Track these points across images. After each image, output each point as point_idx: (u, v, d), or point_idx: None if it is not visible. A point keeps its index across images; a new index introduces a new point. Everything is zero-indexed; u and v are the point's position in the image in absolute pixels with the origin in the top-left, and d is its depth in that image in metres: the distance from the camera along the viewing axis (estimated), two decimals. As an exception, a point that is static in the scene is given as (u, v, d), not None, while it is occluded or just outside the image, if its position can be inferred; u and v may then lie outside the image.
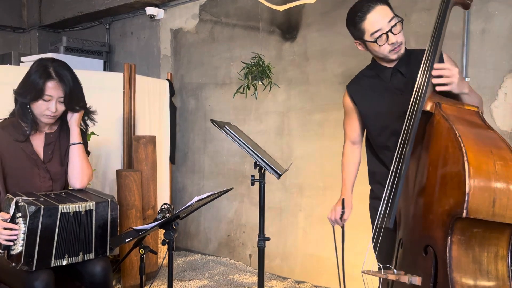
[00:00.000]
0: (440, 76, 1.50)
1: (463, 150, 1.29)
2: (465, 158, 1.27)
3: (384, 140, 1.83)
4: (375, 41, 1.70)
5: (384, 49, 1.72)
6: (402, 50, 1.74)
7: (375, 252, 1.63)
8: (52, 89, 1.93)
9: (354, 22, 1.75)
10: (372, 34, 1.70)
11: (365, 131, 1.97)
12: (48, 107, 1.94)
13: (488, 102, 2.50)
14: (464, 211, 1.25)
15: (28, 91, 1.92)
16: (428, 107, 1.48)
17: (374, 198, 1.91)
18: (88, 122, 2.18)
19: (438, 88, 1.51)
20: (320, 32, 3.21)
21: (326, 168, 3.18)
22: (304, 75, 3.31)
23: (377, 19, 1.68)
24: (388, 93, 1.81)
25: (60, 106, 1.98)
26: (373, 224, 1.94)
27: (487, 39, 2.55)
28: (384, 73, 1.82)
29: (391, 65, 1.80)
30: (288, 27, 3.39)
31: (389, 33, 1.69)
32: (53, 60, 2.00)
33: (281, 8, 2.82)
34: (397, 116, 1.70)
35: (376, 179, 1.92)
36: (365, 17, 1.70)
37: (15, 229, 1.75)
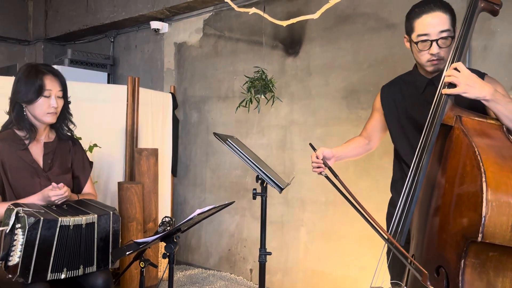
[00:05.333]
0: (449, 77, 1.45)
1: (482, 169, 1.21)
2: (483, 178, 1.19)
3: (403, 148, 1.82)
4: (416, 44, 1.64)
5: (422, 56, 1.65)
6: (441, 66, 1.65)
7: (388, 266, 1.59)
8: (50, 83, 2.00)
9: (409, 15, 1.69)
10: (419, 35, 1.63)
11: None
12: (49, 103, 1.99)
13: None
14: (480, 235, 1.17)
15: (29, 90, 1.97)
16: (448, 119, 1.41)
17: (392, 205, 1.89)
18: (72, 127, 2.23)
19: (443, 91, 1.46)
20: (322, 47, 3.24)
21: (328, 182, 3.17)
22: (307, 90, 3.33)
23: (429, 24, 1.60)
24: (418, 103, 1.76)
25: (60, 101, 2.04)
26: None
27: (489, 55, 2.56)
28: (420, 82, 1.77)
29: (429, 76, 1.74)
30: (291, 42, 3.41)
31: (434, 43, 1.60)
32: (37, 63, 2.11)
33: (284, 23, 2.85)
34: (417, 128, 1.69)
35: (395, 187, 1.91)
36: (420, 15, 1.63)
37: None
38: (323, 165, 1.77)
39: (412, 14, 1.66)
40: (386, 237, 1.43)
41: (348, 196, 1.59)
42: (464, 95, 1.43)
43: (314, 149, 1.80)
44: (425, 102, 1.68)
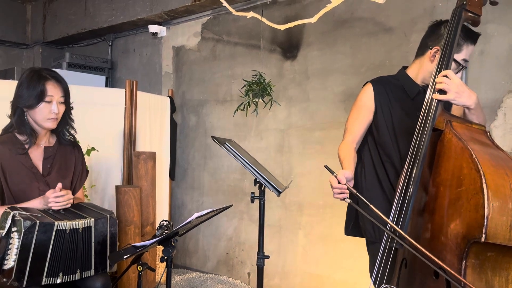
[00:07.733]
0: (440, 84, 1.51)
1: (481, 172, 1.24)
2: (483, 181, 1.23)
3: (389, 151, 1.80)
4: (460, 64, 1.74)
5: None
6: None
7: (381, 273, 1.57)
8: (53, 89, 2.00)
9: (465, 36, 1.72)
10: (463, 59, 1.74)
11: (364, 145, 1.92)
12: (50, 109, 1.99)
13: (487, 122, 2.50)
14: (483, 235, 1.21)
15: (30, 95, 1.97)
16: (439, 124, 1.46)
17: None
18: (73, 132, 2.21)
19: (434, 96, 1.51)
20: (320, 51, 3.25)
21: (326, 186, 3.14)
22: (305, 93, 3.33)
23: (470, 53, 1.75)
24: (407, 108, 1.78)
25: (61, 106, 2.04)
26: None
27: (486, 60, 2.57)
28: (411, 88, 1.81)
29: (420, 83, 1.81)
30: (289, 45, 3.42)
31: (463, 70, 1.75)
32: (40, 67, 2.10)
33: (282, 27, 2.85)
34: (406, 132, 1.70)
35: (369, 188, 1.85)
36: (472, 44, 1.74)
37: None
38: (346, 190, 1.57)
39: (468, 35, 1.72)
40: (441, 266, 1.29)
41: (385, 219, 1.40)
42: (453, 102, 1.51)
43: (331, 172, 1.60)
44: (414, 109, 1.74)
